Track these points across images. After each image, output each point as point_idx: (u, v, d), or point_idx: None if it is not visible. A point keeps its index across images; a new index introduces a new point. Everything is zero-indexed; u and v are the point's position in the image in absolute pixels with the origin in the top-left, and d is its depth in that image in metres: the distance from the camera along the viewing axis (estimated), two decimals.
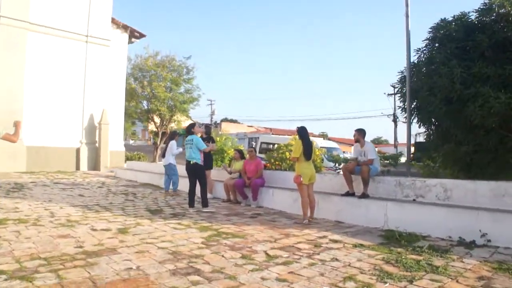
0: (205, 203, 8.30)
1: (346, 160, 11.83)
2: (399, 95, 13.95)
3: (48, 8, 17.81)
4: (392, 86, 48.10)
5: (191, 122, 9.15)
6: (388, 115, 49.06)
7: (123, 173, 15.75)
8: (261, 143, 25.93)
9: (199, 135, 8.91)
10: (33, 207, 7.90)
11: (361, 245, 5.56)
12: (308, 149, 7.56)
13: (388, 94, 48.01)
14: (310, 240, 5.84)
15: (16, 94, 16.67)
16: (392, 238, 5.94)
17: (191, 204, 8.41)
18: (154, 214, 7.58)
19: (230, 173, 10.12)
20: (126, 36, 22.51)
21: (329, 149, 21.69)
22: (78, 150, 18.51)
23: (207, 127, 11.13)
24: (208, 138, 10.13)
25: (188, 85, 28.18)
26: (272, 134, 45.96)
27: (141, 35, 23.63)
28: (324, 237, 6.07)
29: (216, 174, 11.42)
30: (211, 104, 60.60)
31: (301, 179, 7.38)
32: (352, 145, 9.02)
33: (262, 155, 20.27)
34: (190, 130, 8.67)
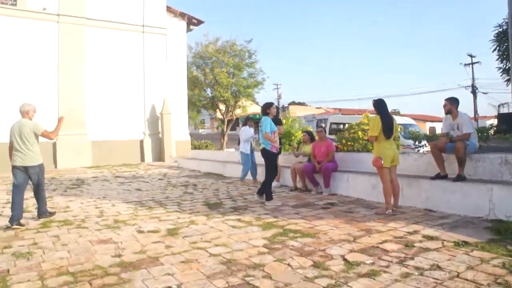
0: (268, 196, 7.21)
1: (428, 137, 10.26)
2: (497, 52, 11.92)
3: (103, 1, 17.62)
4: (469, 55, 44.44)
5: (267, 102, 7.87)
6: (466, 87, 45.32)
7: (186, 163, 15.21)
8: (331, 123, 24.51)
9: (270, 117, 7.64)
10: (85, 206, 7.35)
11: (466, 243, 4.30)
12: (388, 125, 6.32)
13: (465, 64, 44.45)
14: (398, 237, 4.67)
15: (78, 90, 16.68)
16: (506, 232, 4.63)
17: (260, 191, 7.38)
18: (212, 209, 6.70)
19: (297, 156, 9.10)
20: (184, 24, 21.95)
21: (405, 126, 19.83)
22: (141, 142, 18.29)
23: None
24: (275, 120, 9.10)
25: (251, 69, 27.38)
26: (342, 114, 44.20)
27: (199, 22, 22.98)
28: (415, 232, 4.87)
29: (283, 159, 10.42)
30: (277, 88, 59.74)
31: (382, 162, 6.19)
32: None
33: (333, 136, 19.01)
34: (265, 110, 7.49)
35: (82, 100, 16.81)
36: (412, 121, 21.32)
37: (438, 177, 6.48)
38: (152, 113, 18.58)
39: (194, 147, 26.71)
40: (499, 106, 48.75)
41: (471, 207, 5.72)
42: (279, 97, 59.18)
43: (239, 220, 5.85)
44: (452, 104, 6.60)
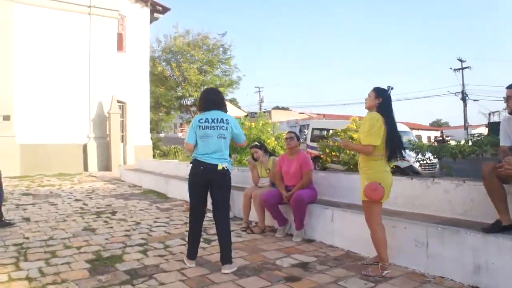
0: (229, 257, 4.05)
1: (436, 150, 7.24)
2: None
3: None
4: (459, 60, 42.26)
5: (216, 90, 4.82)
6: (455, 93, 43.15)
7: (129, 175, 12.07)
8: (313, 129, 21.65)
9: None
10: None
11: None
12: (395, 135, 3.86)
13: (455, 69, 42.34)
14: None
15: (3, 81, 13.43)
16: None
17: (192, 253, 4.17)
18: (93, 274, 3.69)
19: (253, 168, 6.09)
20: (147, 10, 18.86)
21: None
22: (85, 147, 15.07)
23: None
24: None
25: (225, 66, 24.42)
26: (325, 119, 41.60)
27: (165, 9, 19.90)
28: None
29: (234, 177, 7.54)
30: (259, 92, 56.83)
31: (383, 193, 3.65)
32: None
33: (314, 144, 16.15)
34: (215, 100, 4.31)
35: (9, 93, 13.55)
36: (406, 128, 18.44)
37: (497, 227, 3.56)
38: (99, 112, 15.38)
39: (163, 154, 23.63)
40: (489, 114, 46.84)
41: None
42: (261, 100, 56.39)
43: None
44: None
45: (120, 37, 17.03)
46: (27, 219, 6.40)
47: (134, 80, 17.21)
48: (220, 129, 4.11)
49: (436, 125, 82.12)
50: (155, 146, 21.27)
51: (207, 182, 4.11)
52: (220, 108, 4.29)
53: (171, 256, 4.40)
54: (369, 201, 3.76)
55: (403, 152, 4.00)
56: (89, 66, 15.21)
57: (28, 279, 3.69)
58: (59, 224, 6.05)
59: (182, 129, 61.42)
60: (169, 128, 46.90)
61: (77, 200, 8.47)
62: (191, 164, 4.24)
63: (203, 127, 4.10)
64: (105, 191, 9.95)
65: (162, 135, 38.74)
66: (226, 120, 4.19)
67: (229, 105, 26.40)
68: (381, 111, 3.83)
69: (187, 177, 4.35)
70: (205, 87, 23.30)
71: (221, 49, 24.09)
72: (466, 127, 42.90)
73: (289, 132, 5.85)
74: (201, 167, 4.08)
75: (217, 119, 4.14)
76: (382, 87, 4.05)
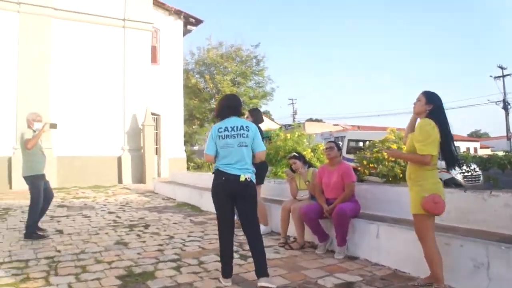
0: (265, 269, 3.78)
1: (482, 161, 6.71)
2: None
3: None
4: (500, 67, 40.76)
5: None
6: (496, 102, 41.56)
7: (162, 188, 11.94)
8: (349, 140, 21.08)
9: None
10: None
11: None
12: (451, 144, 3.59)
13: (495, 77, 40.86)
14: None
15: (41, 95, 13.69)
16: None
17: (227, 270, 3.88)
18: None
19: (292, 180, 5.76)
20: (180, 23, 18.96)
21: None
22: (119, 159, 15.15)
23: (254, 111, 6.47)
24: None
25: (259, 78, 24.26)
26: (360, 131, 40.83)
27: (198, 21, 19.96)
28: None
29: (270, 190, 7.29)
30: (292, 104, 56.53)
31: (444, 206, 3.42)
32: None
33: (351, 156, 15.66)
34: (232, 105, 4.08)
35: (46, 106, 13.75)
36: None
37: None
38: (133, 125, 15.45)
39: (197, 166, 23.60)
40: None
41: None
42: (294, 112, 56.01)
43: None
44: None
45: (154, 49, 17.18)
46: (60, 232, 6.31)
47: (168, 92, 17.29)
48: (240, 137, 3.87)
49: (475, 135, 79.46)
50: (189, 159, 21.26)
51: (231, 193, 3.88)
52: (238, 113, 4.08)
53: (205, 274, 4.14)
54: (424, 215, 3.42)
55: (460, 163, 3.65)
56: (124, 79, 15.35)
57: None
58: (91, 237, 5.91)
59: None
60: (203, 141, 47.19)
61: (110, 212, 8.38)
62: (214, 175, 4.01)
63: (223, 137, 3.89)
64: (138, 203, 9.85)
65: (196, 147, 38.89)
66: (246, 127, 3.93)
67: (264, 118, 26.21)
68: (432, 118, 3.50)
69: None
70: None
71: (254, 60, 24.02)
72: (509, 137, 41.23)
73: (329, 141, 5.52)
74: (223, 178, 3.86)
75: (237, 127, 3.90)
76: (432, 92, 3.71)
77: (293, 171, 5.63)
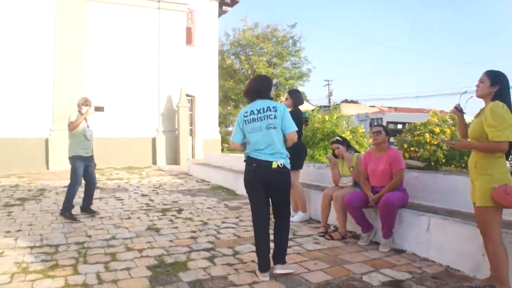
0: (283, 257, 3.68)
1: None
2: None
3: None
4: None
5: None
6: None
7: (196, 170, 11.73)
8: (388, 123, 20.50)
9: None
10: None
11: None
12: None
13: None
14: None
15: (78, 78, 13.67)
16: None
17: (264, 264, 3.56)
18: (154, 284, 3.31)
19: (334, 165, 5.34)
20: (215, 4, 18.52)
21: None
22: (154, 140, 15.02)
23: (293, 92, 6.02)
24: (296, 113, 5.41)
25: (295, 59, 23.67)
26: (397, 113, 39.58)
27: (233, 2, 19.46)
28: None
29: (310, 174, 6.93)
30: (328, 85, 55.40)
31: None
32: None
33: (391, 140, 15.08)
34: (259, 88, 3.77)
35: (82, 89, 13.69)
36: None
37: None
38: (168, 106, 15.28)
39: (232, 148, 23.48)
40: None
41: None
42: (330, 94, 54.92)
43: None
44: None
45: (189, 31, 16.87)
46: (92, 215, 6.17)
47: (202, 73, 17.00)
48: (268, 118, 3.58)
49: None
50: (223, 140, 21.09)
51: (262, 181, 3.59)
52: (266, 96, 3.77)
53: (241, 266, 3.86)
54: (492, 207, 3.01)
55: None
56: (159, 60, 15.13)
57: (85, 285, 3.32)
58: (123, 221, 5.75)
59: None
60: None
61: (143, 195, 8.23)
62: (245, 162, 3.75)
63: (249, 120, 3.62)
64: (172, 186, 9.71)
65: (230, 129, 38.79)
66: (274, 107, 3.62)
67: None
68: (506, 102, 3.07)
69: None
70: (275, 80, 22.76)
71: (290, 41, 23.40)
72: None
73: (376, 125, 5.09)
74: (254, 164, 3.60)
75: (263, 109, 3.62)
76: (497, 71, 3.25)
77: (335, 156, 5.25)
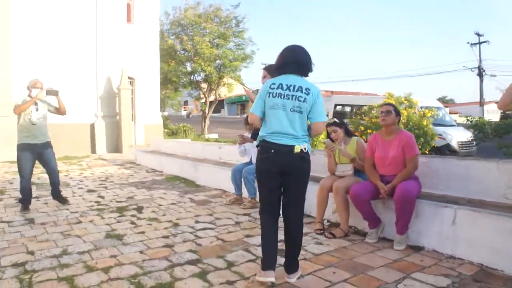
0: (297, 264, 3.07)
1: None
2: None
3: None
4: (477, 34, 40.44)
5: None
6: (471, 69, 41.57)
7: (145, 158, 10.55)
8: (335, 105, 20.19)
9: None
10: None
11: None
12: None
13: (472, 44, 40.55)
14: None
15: (1, 56, 11.93)
16: None
17: (271, 262, 2.91)
18: None
19: (331, 152, 4.46)
20: None
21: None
22: (92, 127, 13.60)
23: (271, 69, 5.23)
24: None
25: (239, 40, 22.71)
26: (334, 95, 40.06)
27: None
28: None
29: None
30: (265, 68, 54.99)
31: None
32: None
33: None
34: (299, 61, 3.02)
35: (7, 68, 12.03)
36: (439, 104, 16.86)
37: None
38: (107, 89, 13.87)
39: (172, 132, 22.29)
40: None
41: None
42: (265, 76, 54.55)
43: None
44: None
45: (128, 7, 15.41)
46: (31, 221, 4.94)
47: (143, 54, 15.60)
48: (296, 99, 2.90)
49: (442, 102, 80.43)
50: (163, 125, 19.91)
51: (281, 170, 2.92)
52: (305, 74, 3.07)
53: (245, 284, 3.00)
54: None
55: None
56: (96, 38, 13.61)
57: None
58: (72, 227, 4.60)
59: (186, 107, 59.43)
60: (178, 106, 45.05)
61: (90, 191, 7.08)
62: (258, 147, 3.02)
63: (274, 94, 2.92)
64: (121, 178, 8.58)
65: (166, 113, 37.15)
66: (307, 89, 2.94)
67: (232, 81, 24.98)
68: None
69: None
70: (219, 62, 21.74)
71: (234, 21, 22.35)
72: (482, 103, 41.45)
73: (385, 104, 4.40)
74: (272, 151, 2.90)
75: (294, 86, 2.92)
76: None
77: (333, 141, 4.49)
